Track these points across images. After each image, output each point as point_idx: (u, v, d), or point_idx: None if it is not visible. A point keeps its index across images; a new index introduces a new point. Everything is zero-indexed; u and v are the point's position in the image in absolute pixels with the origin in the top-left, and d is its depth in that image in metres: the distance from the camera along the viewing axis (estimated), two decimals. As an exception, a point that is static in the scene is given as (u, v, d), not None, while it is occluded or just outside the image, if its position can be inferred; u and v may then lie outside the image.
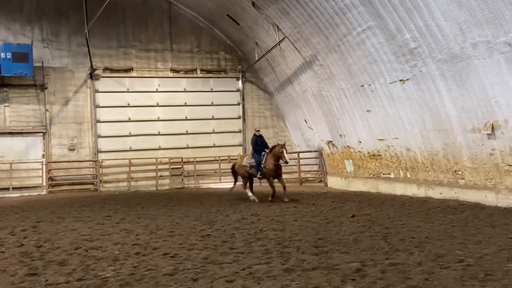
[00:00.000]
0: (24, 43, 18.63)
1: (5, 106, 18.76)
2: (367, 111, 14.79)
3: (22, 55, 18.00)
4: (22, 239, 8.15)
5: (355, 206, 11.59)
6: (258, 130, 14.24)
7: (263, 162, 13.28)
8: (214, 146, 21.28)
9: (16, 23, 19.07)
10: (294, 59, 17.71)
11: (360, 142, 15.91)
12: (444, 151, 12.07)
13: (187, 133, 21.02)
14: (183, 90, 21.15)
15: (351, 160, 16.91)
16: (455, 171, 11.84)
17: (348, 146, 16.80)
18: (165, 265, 6.00)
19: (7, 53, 17.80)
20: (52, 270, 5.93)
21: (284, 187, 13.32)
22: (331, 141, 18.01)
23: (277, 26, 16.93)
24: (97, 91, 19.94)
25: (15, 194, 17.93)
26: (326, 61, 15.66)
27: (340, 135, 16.96)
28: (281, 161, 13.06)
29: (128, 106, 20.29)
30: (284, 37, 16.85)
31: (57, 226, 9.57)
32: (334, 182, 18.30)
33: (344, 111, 16.11)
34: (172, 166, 20.30)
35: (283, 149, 12.88)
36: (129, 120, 20.28)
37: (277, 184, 13.37)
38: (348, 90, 15.34)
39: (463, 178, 11.62)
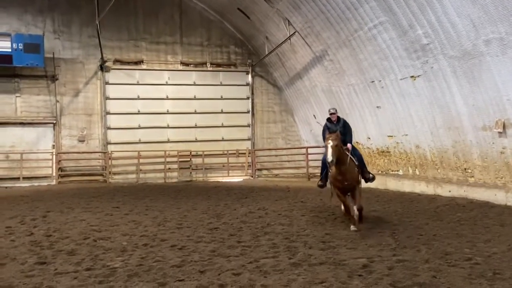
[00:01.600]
0: (36, 34, 18.73)
1: (17, 96, 18.92)
2: (377, 107, 14.70)
3: (33, 46, 18.10)
4: (32, 229, 8.27)
5: (362, 203, 11.53)
6: (334, 113, 8.62)
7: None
8: (222, 140, 21.32)
9: (28, 14, 19.18)
10: (304, 54, 17.63)
11: (369, 138, 15.83)
12: (454, 149, 11.98)
13: (196, 127, 21.05)
14: (192, 83, 21.17)
15: (359, 156, 16.83)
16: (465, 169, 11.75)
17: (357, 142, 16.70)
18: (172, 257, 6.05)
19: (19, 44, 17.91)
20: (61, 260, 6.01)
21: (359, 209, 7.86)
22: (340, 137, 17.93)
23: (288, 20, 16.85)
24: (107, 83, 20.02)
25: (25, 184, 18.12)
26: (337, 56, 15.57)
27: (349, 131, 16.87)
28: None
29: (138, 98, 20.36)
30: (295, 32, 16.77)
31: (66, 216, 9.68)
32: (342, 178, 18.23)
33: (354, 107, 16.02)
34: (180, 159, 20.37)
35: (329, 141, 7.49)
36: (139, 113, 20.34)
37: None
38: (358, 86, 15.25)
39: (473, 176, 11.53)
